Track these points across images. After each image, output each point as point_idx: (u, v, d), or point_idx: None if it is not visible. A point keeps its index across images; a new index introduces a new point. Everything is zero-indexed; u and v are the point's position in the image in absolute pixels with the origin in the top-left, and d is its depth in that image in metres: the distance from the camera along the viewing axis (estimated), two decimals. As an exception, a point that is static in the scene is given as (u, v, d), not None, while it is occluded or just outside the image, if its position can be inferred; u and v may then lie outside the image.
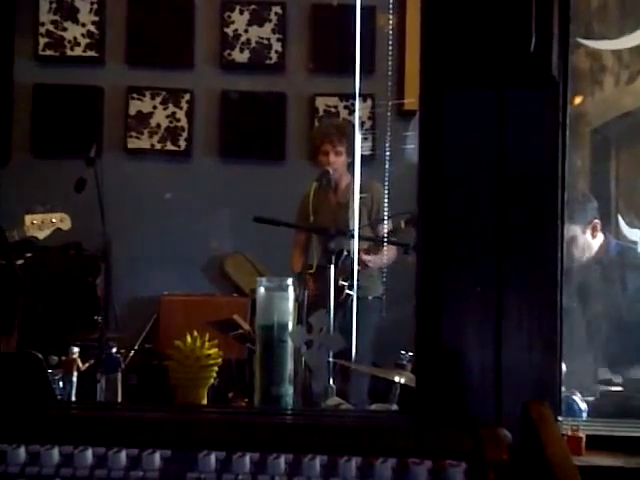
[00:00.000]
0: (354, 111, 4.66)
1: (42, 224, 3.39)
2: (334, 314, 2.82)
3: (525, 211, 1.13)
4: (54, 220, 3.38)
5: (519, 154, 1.14)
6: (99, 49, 5.15)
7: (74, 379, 2.52)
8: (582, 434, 1.26)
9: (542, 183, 1.14)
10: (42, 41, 5.12)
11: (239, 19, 5.15)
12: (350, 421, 1.06)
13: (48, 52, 5.13)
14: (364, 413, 1.27)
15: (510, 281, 1.12)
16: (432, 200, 1.17)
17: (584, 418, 1.50)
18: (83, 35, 5.14)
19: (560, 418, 1.15)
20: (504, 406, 1.08)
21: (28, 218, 3.25)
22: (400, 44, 4.77)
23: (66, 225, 3.51)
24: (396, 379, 2.48)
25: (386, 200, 3.77)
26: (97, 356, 2.81)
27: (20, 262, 3.88)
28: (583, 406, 1.53)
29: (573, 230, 2.70)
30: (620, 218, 2.76)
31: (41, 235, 3.36)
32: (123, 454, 0.86)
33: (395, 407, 2.33)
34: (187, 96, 5.15)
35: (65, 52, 5.13)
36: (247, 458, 0.86)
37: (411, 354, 2.46)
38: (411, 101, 4.57)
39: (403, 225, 3.53)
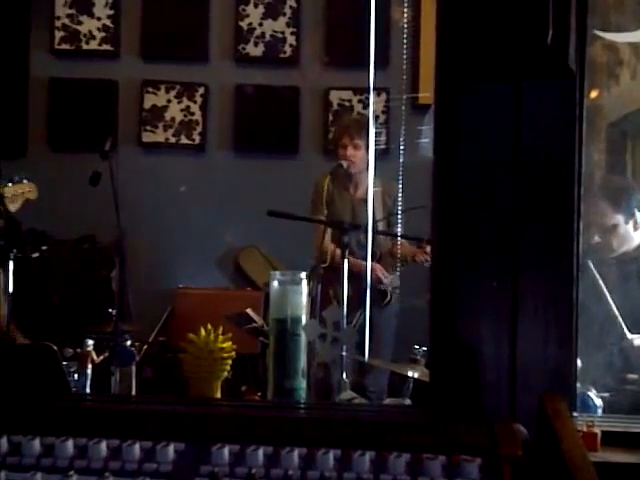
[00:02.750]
0: (368, 105, 4.65)
1: (12, 197, 3.34)
2: (359, 309, 2.83)
3: (541, 205, 1.12)
4: (22, 191, 3.33)
5: (535, 147, 1.13)
6: (114, 43, 5.16)
7: (89, 371, 2.53)
8: (597, 430, 1.25)
9: (558, 177, 1.13)
10: (58, 35, 5.14)
11: (254, 13, 5.15)
12: (363, 415, 1.05)
13: (64, 46, 5.15)
14: (377, 407, 1.26)
15: (526, 275, 1.11)
16: (447, 193, 1.16)
17: (599, 414, 1.49)
18: (98, 29, 5.15)
19: (575, 414, 1.15)
20: (519, 401, 1.08)
21: (2, 191, 3.25)
22: (415, 37, 4.75)
23: (33, 194, 3.43)
24: (409, 374, 2.48)
25: (400, 194, 3.76)
26: (112, 349, 2.82)
27: (35, 255, 3.90)
28: (598, 402, 1.53)
29: (616, 219, 2.62)
30: (637, 212, 2.72)
31: (13, 208, 3.33)
32: (137, 446, 0.86)
33: (408, 402, 2.33)
34: (201, 90, 5.16)
35: (81, 46, 5.15)
36: (260, 451, 0.86)
37: (425, 349, 2.45)
38: (426, 95, 4.55)
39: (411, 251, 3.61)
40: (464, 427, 0.93)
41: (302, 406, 1.07)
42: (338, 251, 3.25)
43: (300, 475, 0.83)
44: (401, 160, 3.72)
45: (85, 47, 5.15)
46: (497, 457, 0.87)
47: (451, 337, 1.11)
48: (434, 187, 1.17)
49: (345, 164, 3.81)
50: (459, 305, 1.11)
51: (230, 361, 1.84)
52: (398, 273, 3.94)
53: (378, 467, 0.85)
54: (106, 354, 2.83)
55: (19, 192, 3.23)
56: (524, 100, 1.12)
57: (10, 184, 3.32)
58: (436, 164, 1.17)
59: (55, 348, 1.25)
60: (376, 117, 4.80)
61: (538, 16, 1.08)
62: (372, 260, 3.17)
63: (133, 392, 2.36)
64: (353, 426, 0.94)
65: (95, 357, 2.66)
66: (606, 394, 1.66)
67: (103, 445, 0.86)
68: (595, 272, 2.32)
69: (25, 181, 3.39)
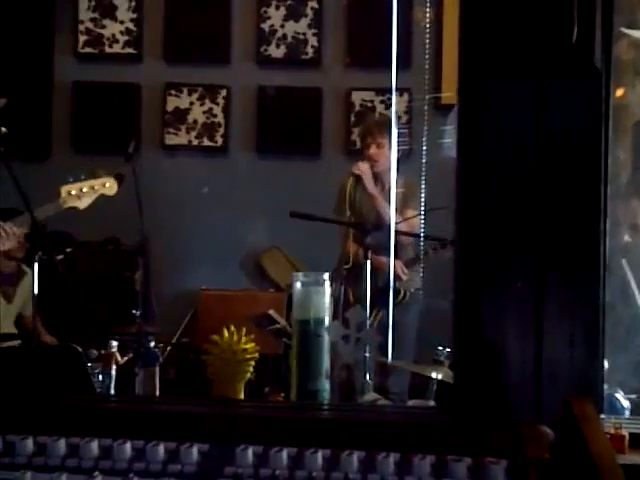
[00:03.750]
0: (391, 106, 4.64)
1: (81, 192, 3.14)
2: (375, 309, 2.82)
3: (567, 204, 1.11)
4: (96, 187, 3.11)
5: (560, 147, 1.12)
6: (137, 46, 5.19)
7: (113, 373, 2.54)
8: (625, 432, 1.23)
9: (584, 176, 1.12)
10: (81, 39, 5.18)
11: (275, 14, 5.16)
12: (387, 417, 1.05)
13: (87, 49, 5.19)
14: (401, 409, 1.25)
15: (551, 275, 1.10)
16: (471, 194, 1.15)
17: (627, 416, 1.47)
18: (121, 32, 5.19)
19: (602, 416, 1.13)
20: (545, 402, 1.06)
21: (64, 189, 3.07)
22: (437, 37, 4.73)
23: (111, 190, 3.19)
24: (433, 375, 2.46)
25: (423, 194, 3.75)
26: (135, 350, 2.84)
27: (60, 257, 3.93)
28: (626, 404, 1.51)
29: None
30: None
31: (82, 204, 3.13)
32: (161, 447, 0.87)
33: (432, 403, 2.32)
34: (224, 92, 5.18)
35: (104, 49, 5.19)
36: (284, 453, 0.86)
37: (448, 350, 2.44)
38: (448, 95, 4.53)
39: (432, 252, 3.60)
40: (489, 429, 0.92)
41: (325, 408, 1.07)
42: (361, 252, 3.24)
43: (324, 477, 0.83)
44: (424, 160, 3.71)
45: (108, 50, 5.19)
46: (523, 459, 0.86)
47: (476, 338, 1.10)
48: (457, 187, 1.17)
49: (357, 171, 3.85)
50: (484, 305, 1.10)
51: (253, 362, 1.84)
52: (421, 274, 3.93)
53: (403, 469, 0.84)
54: (130, 355, 2.84)
55: (90, 187, 3.09)
56: (549, 99, 1.11)
57: (71, 180, 3.15)
58: (460, 164, 1.17)
59: (80, 349, 1.26)
60: (398, 117, 4.79)
61: (563, 14, 1.07)
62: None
63: (157, 393, 2.37)
64: (377, 428, 0.93)
65: (119, 358, 2.68)
66: (633, 396, 1.64)
67: (127, 446, 0.86)
68: (628, 272, 2.29)
69: (105, 177, 3.18)
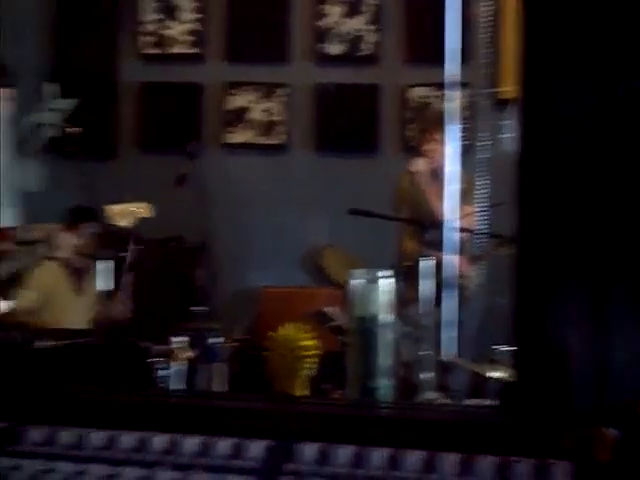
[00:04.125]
0: (449, 101, 4.59)
1: (122, 213, 3.52)
2: (438, 306, 2.79)
3: (634, 201, 1.09)
4: (133, 209, 3.52)
5: (628, 146, 1.09)
6: (199, 46, 5.26)
7: (176, 368, 2.58)
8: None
9: (651, 173, 1.09)
10: (146, 40, 5.28)
11: (333, 12, 5.16)
12: (448, 416, 1.04)
13: (152, 51, 5.28)
14: (462, 408, 1.24)
15: (618, 274, 1.07)
16: (534, 190, 1.14)
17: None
18: (184, 33, 5.27)
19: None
20: (607, 403, 1.04)
21: (108, 209, 3.42)
22: (495, 32, 4.66)
23: (146, 212, 3.63)
24: (492, 374, 2.43)
25: (482, 190, 3.70)
26: (198, 346, 2.88)
27: (126, 255, 4.02)
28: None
29: None
30: None
31: (123, 223, 3.53)
32: (223, 443, 0.88)
33: (491, 402, 2.29)
34: (283, 90, 5.20)
35: (168, 50, 5.27)
36: (345, 450, 0.86)
37: (508, 348, 2.40)
38: (508, 89, 4.45)
39: (491, 249, 3.56)
40: (552, 429, 0.90)
41: (385, 405, 1.06)
42: (419, 249, 3.22)
43: (385, 475, 0.83)
44: (483, 156, 3.66)
45: (172, 51, 5.27)
46: (587, 460, 0.85)
47: (539, 337, 1.08)
48: (519, 183, 1.15)
49: (414, 168, 3.82)
50: (546, 304, 1.08)
51: (314, 359, 1.85)
52: (480, 271, 3.88)
53: (464, 469, 0.84)
54: (193, 351, 2.88)
55: (130, 210, 3.42)
56: (617, 98, 1.08)
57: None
58: (522, 160, 1.15)
59: (143, 345, 1.29)
60: (457, 113, 4.73)
61: (636, 12, 1.05)
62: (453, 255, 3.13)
63: (219, 389, 2.40)
64: (438, 427, 0.93)
65: (182, 354, 2.72)
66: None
67: (190, 441, 0.88)
68: None
69: (140, 203, 3.63)
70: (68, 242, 3.09)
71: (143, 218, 4.61)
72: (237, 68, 5.22)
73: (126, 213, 3.45)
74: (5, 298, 3.42)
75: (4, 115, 2.64)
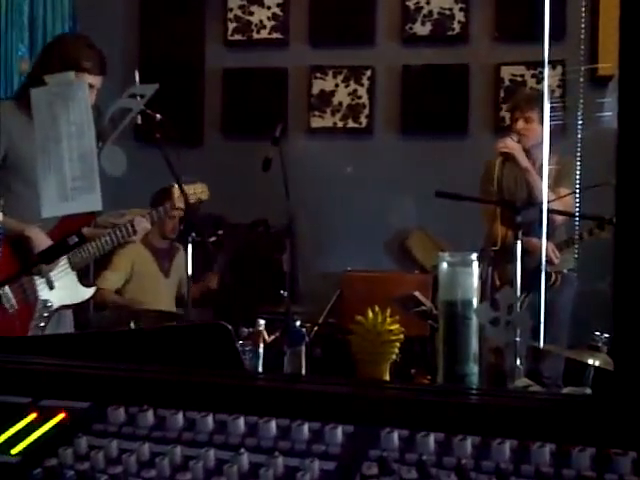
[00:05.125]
0: (543, 79, 4.44)
1: (181, 195, 3.45)
2: (528, 292, 2.71)
3: None
4: (193, 192, 3.45)
5: None
6: (284, 31, 5.27)
7: (260, 351, 2.61)
8: None
9: None
10: (231, 26, 5.33)
11: (420, -9, 5.07)
12: (541, 404, 0.99)
13: (236, 37, 5.33)
14: (554, 396, 1.19)
15: None
16: (632, 171, 1.06)
17: None
18: (268, 18, 5.29)
19: None
20: None
21: (175, 190, 3.41)
22: (592, 5, 4.47)
23: (205, 195, 3.55)
24: (589, 361, 2.34)
25: (578, 172, 3.56)
26: (283, 329, 2.89)
27: (212, 239, 4.09)
28: None
29: None
30: None
31: (184, 205, 3.47)
32: (306, 427, 0.86)
33: (588, 391, 2.20)
34: (368, 72, 5.16)
35: (252, 36, 5.31)
36: (431, 438, 0.83)
37: (607, 335, 2.31)
38: (606, 66, 4.27)
39: (586, 234, 3.43)
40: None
41: (474, 392, 1.02)
42: (510, 232, 3.13)
43: (474, 465, 0.80)
44: (579, 135, 3.52)
45: (256, 37, 5.31)
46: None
47: (637, 324, 1.02)
48: (618, 163, 1.08)
49: (516, 137, 3.69)
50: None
51: (398, 344, 1.82)
52: (575, 255, 3.75)
53: (559, 460, 0.79)
54: (277, 334, 2.90)
55: (190, 192, 3.40)
56: None
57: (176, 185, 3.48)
58: (620, 139, 1.08)
59: (230, 327, 1.28)
60: (552, 92, 4.58)
61: None
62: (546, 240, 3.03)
63: (303, 372, 2.40)
64: (529, 415, 0.89)
65: (267, 337, 2.74)
66: None
67: (273, 424, 0.87)
68: None
69: (198, 183, 3.54)
70: (145, 226, 3.17)
71: (231, 202, 4.67)
72: (321, 52, 5.21)
73: (187, 195, 3.46)
74: (94, 281, 3.53)
75: (93, 103, 2.70)
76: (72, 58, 2.81)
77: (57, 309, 2.98)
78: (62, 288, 2.97)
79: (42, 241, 2.79)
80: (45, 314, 2.90)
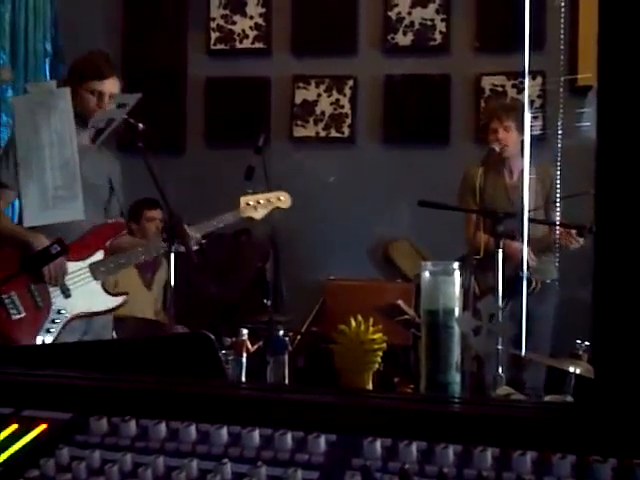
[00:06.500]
0: (523, 89, 4.48)
1: (257, 204, 3.37)
2: (509, 300, 2.73)
3: None
4: (271, 200, 3.34)
5: None
6: (266, 40, 5.28)
7: (243, 360, 2.60)
8: None
9: None
10: (213, 36, 5.33)
11: (402, 1, 5.10)
12: (521, 412, 1.00)
13: (219, 46, 5.33)
14: (536, 404, 1.20)
15: None
16: (612, 179, 1.08)
17: None
18: (251, 27, 5.30)
19: None
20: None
21: (243, 200, 3.31)
22: (572, 16, 4.52)
23: (285, 203, 3.43)
24: (570, 369, 2.36)
25: (558, 181, 3.59)
26: (266, 338, 2.89)
27: (196, 248, 4.07)
28: None
29: None
30: None
31: (258, 215, 3.37)
32: (289, 436, 0.86)
33: (570, 399, 2.22)
34: (351, 82, 5.18)
35: (235, 45, 5.32)
36: (414, 447, 0.84)
37: (588, 343, 2.32)
38: (586, 76, 4.32)
39: (569, 241, 3.45)
40: (633, 428, 0.85)
41: (456, 401, 1.03)
42: (491, 240, 3.15)
43: (456, 473, 0.80)
44: (559, 145, 3.55)
45: (239, 46, 5.31)
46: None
47: (617, 331, 1.03)
48: (597, 173, 1.09)
49: (497, 147, 3.69)
50: (626, 297, 1.03)
51: (381, 353, 1.83)
52: (556, 264, 3.77)
53: (540, 468, 0.80)
54: (260, 343, 2.90)
55: (267, 200, 3.28)
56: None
57: (250, 191, 3.40)
58: (599, 149, 1.09)
59: (212, 336, 1.28)
60: (531, 102, 4.62)
61: None
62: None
63: (286, 381, 2.40)
64: (511, 423, 0.89)
65: (250, 346, 2.74)
66: None
67: (256, 434, 0.86)
68: None
69: (280, 192, 3.44)
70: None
71: (214, 211, 4.66)
72: (304, 61, 5.22)
73: (262, 204, 3.36)
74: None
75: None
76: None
77: (72, 318, 2.94)
78: (80, 297, 2.94)
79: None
80: (57, 320, 2.88)
